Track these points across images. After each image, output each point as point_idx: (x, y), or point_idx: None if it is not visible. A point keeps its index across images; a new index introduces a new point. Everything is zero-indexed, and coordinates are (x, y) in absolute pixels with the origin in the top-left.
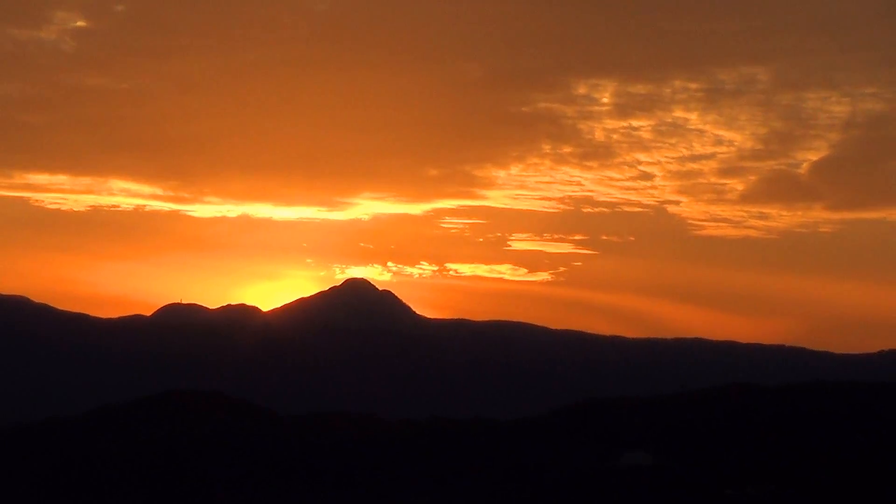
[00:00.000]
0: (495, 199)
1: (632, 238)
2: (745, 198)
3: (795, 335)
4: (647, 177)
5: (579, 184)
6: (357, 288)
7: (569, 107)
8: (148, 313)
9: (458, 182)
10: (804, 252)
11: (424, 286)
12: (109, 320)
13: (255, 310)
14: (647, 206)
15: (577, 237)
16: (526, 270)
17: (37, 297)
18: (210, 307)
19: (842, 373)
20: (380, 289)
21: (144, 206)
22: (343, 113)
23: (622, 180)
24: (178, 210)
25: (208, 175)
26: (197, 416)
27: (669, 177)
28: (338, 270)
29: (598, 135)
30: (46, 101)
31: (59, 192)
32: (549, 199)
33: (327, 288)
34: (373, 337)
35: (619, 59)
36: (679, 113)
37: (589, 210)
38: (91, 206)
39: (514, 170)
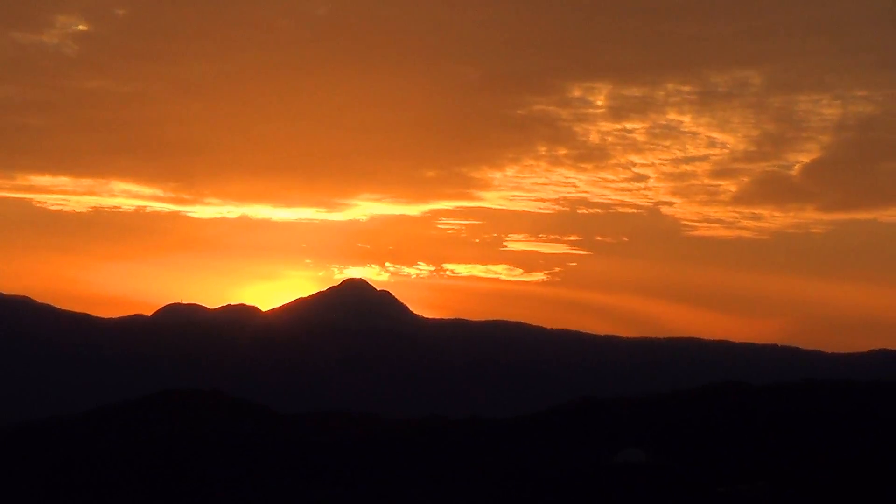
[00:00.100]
0: (491, 200)
1: (626, 238)
2: (738, 199)
3: (788, 334)
4: (640, 178)
5: (574, 185)
6: (355, 288)
7: (564, 109)
8: (149, 313)
9: (454, 183)
10: (796, 252)
11: (422, 286)
12: (111, 320)
13: (254, 309)
14: (641, 207)
15: (572, 238)
16: (522, 271)
17: (39, 297)
18: (210, 307)
19: (834, 371)
20: (378, 289)
21: (145, 207)
22: (342, 116)
23: (616, 182)
24: (179, 211)
25: (208, 177)
26: (197, 415)
27: (663, 178)
28: (336, 271)
29: (593, 137)
30: (48, 103)
31: (61, 193)
32: (545, 200)
33: (326, 288)
34: (371, 336)
35: (613, 62)
36: (672, 115)
37: (584, 211)
38: (93, 208)
39: (510, 171)
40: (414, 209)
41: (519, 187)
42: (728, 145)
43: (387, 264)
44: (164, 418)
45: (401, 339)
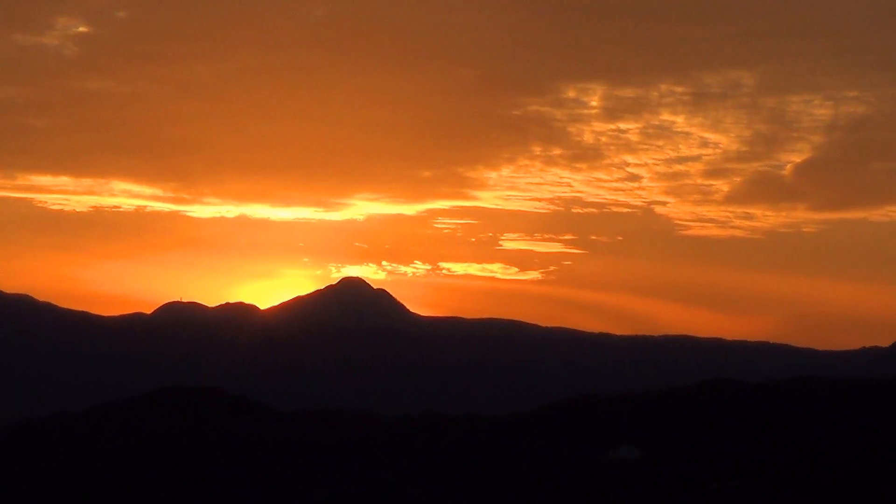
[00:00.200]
0: (487, 199)
1: (620, 238)
2: (731, 198)
3: (780, 332)
4: (634, 178)
5: (569, 185)
6: (352, 286)
7: (558, 110)
8: (148, 311)
9: (450, 183)
10: (788, 251)
11: (418, 285)
12: (111, 318)
13: (253, 308)
14: (635, 206)
15: (567, 237)
16: (517, 269)
17: (40, 295)
18: (209, 305)
19: (825, 368)
20: (374, 287)
21: (145, 206)
22: (339, 116)
23: (610, 181)
24: (178, 211)
25: (207, 176)
26: (196, 412)
27: (656, 178)
28: (334, 269)
29: (587, 137)
30: (49, 104)
31: (62, 193)
32: (540, 199)
33: (323, 286)
34: (368, 334)
35: (607, 64)
36: (666, 116)
37: (578, 210)
38: (93, 207)
39: (506, 171)
40: (410, 209)
41: (514, 187)
42: (721, 145)
43: (384, 263)
44: (163, 415)
45: (397, 336)
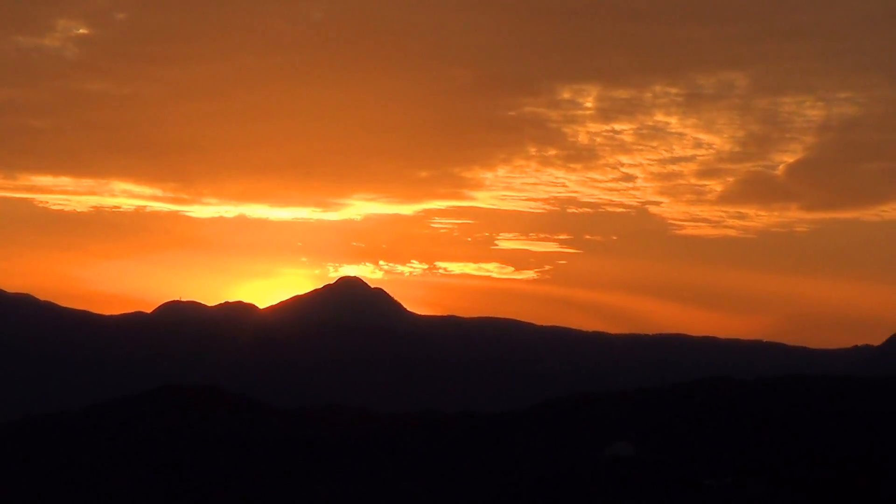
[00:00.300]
0: (483, 199)
1: (614, 237)
2: (724, 198)
3: (773, 331)
4: (629, 178)
5: (564, 185)
6: (350, 285)
7: (554, 111)
8: (148, 310)
9: (447, 183)
10: (781, 251)
11: (415, 284)
12: (111, 317)
13: (251, 307)
14: (630, 206)
15: (562, 237)
16: (513, 269)
17: (41, 294)
18: (208, 304)
19: (817, 367)
20: (372, 286)
21: (145, 206)
22: (337, 117)
23: (605, 182)
24: (178, 211)
25: (207, 177)
26: (196, 410)
27: (651, 178)
28: (331, 269)
29: (582, 138)
30: (50, 105)
31: (63, 193)
32: (535, 199)
33: (321, 286)
34: (365, 333)
35: (601, 65)
36: (660, 117)
37: (573, 210)
38: (93, 207)
39: (501, 171)
40: (407, 209)
41: (510, 187)
42: (714, 146)
43: (381, 262)
44: (163, 414)
45: (395, 335)
